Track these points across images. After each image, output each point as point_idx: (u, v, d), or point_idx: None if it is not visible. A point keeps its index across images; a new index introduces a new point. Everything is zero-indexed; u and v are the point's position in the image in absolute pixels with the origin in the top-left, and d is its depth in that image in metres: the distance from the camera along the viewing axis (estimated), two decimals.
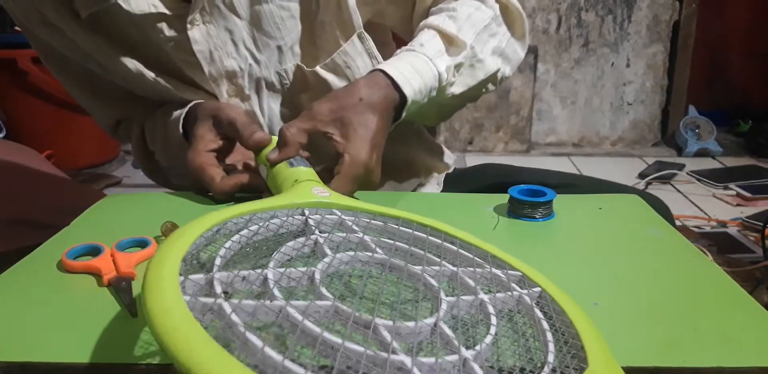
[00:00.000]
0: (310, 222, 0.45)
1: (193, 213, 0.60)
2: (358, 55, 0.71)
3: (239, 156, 0.67)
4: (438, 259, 0.42)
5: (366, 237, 0.43)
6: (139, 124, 0.79)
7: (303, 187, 0.51)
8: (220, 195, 0.62)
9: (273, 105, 0.74)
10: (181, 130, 0.69)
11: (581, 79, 2.53)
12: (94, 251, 0.50)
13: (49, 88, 1.99)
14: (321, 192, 0.50)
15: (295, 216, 0.45)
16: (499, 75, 0.74)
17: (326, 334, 0.29)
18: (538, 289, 0.41)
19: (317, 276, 0.35)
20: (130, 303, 0.42)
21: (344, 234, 0.43)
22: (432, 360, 0.30)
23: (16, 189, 1.11)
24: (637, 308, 0.43)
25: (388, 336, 0.31)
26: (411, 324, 0.32)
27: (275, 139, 0.61)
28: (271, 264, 0.36)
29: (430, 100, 0.67)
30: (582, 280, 0.47)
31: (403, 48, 0.67)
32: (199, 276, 0.33)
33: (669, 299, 0.44)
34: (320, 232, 0.43)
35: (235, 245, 0.39)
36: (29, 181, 1.21)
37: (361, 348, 0.28)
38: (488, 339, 0.33)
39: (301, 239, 0.41)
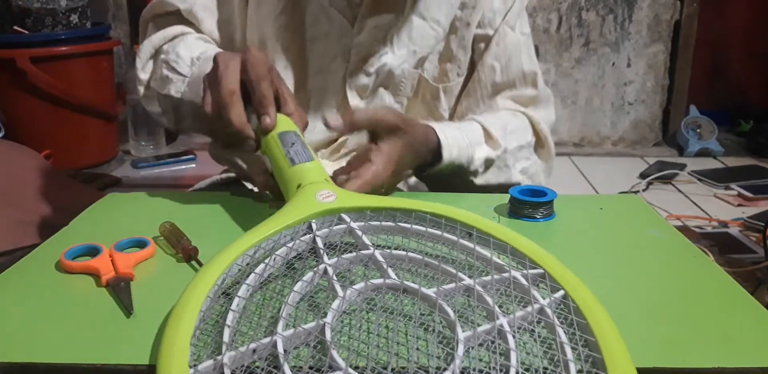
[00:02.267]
0: (318, 242, 0.44)
1: (193, 214, 0.60)
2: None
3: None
4: (454, 271, 0.41)
5: (377, 254, 0.42)
6: (178, 31, 0.79)
7: (307, 192, 0.49)
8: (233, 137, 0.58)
9: (387, 98, 0.82)
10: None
11: (582, 78, 2.53)
12: (93, 251, 0.50)
13: (49, 88, 1.98)
14: (326, 198, 0.48)
15: (302, 238, 0.44)
16: None
17: None
18: (560, 293, 0.39)
19: (328, 335, 0.34)
20: (129, 303, 0.42)
21: (353, 255, 0.42)
22: None
23: (15, 189, 1.11)
24: (638, 308, 0.43)
25: None
26: None
27: (283, 118, 0.58)
28: (279, 326, 0.35)
29: (452, 177, 0.73)
30: (582, 280, 0.47)
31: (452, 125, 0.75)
32: (208, 364, 0.32)
33: (670, 299, 0.44)
34: (329, 253, 0.42)
35: (242, 301, 0.38)
36: (28, 181, 1.21)
37: None
38: None
39: (308, 276, 0.40)
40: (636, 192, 2.03)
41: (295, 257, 0.44)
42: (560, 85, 2.53)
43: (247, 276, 0.40)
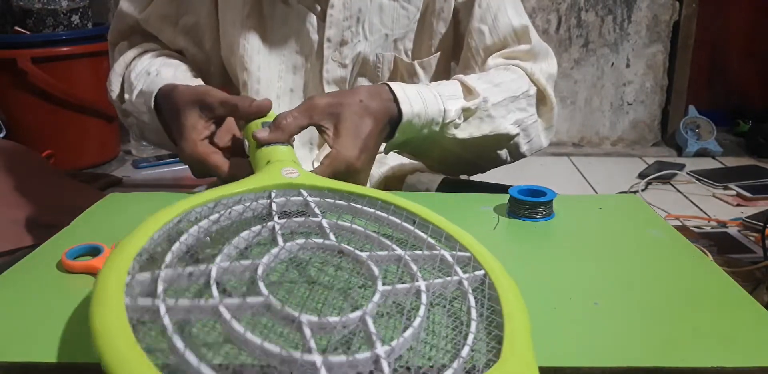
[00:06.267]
0: (274, 206, 0.46)
1: None
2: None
3: (226, 134, 0.66)
4: (389, 243, 0.43)
5: (324, 221, 0.44)
6: (142, 50, 0.81)
7: (273, 168, 0.52)
8: (231, 180, 0.62)
9: (363, 82, 0.80)
10: (152, 104, 0.71)
11: (581, 79, 2.53)
12: (94, 251, 0.50)
13: (49, 88, 1.99)
14: (289, 174, 0.51)
15: (260, 201, 0.46)
16: (517, 142, 0.76)
17: (248, 334, 0.30)
18: (481, 272, 0.41)
19: (259, 271, 0.36)
20: None
21: (302, 219, 0.44)
22: (343, 358, 0.30)
23: (16, 189, 1.11)
24: (637, 308, 0.43)
25: (308, 333, 0.31)
26: (335, 319, 0.33)
27: (271, 113, 0.61)
28: (218, 259, 0.37)
29: (433, 136, 0.68)
30: (582, 280, 0.47)
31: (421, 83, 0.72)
32: (145, 275, 0.34)
33: (669, 299, 0.45)
34: (281, 217, 0.44)
35: (191, 238, 0.40)
36: (29, 181, 1.21)
37: (276, 349, 0.29)
38: (408, 332, 0.34)
39: (256, 228, 0.42)
40: (635, 192, 2.04)
41: (249, 216, 0.45)
42: (559, 86, 2.53)
43: (201, 221, 0.42)
